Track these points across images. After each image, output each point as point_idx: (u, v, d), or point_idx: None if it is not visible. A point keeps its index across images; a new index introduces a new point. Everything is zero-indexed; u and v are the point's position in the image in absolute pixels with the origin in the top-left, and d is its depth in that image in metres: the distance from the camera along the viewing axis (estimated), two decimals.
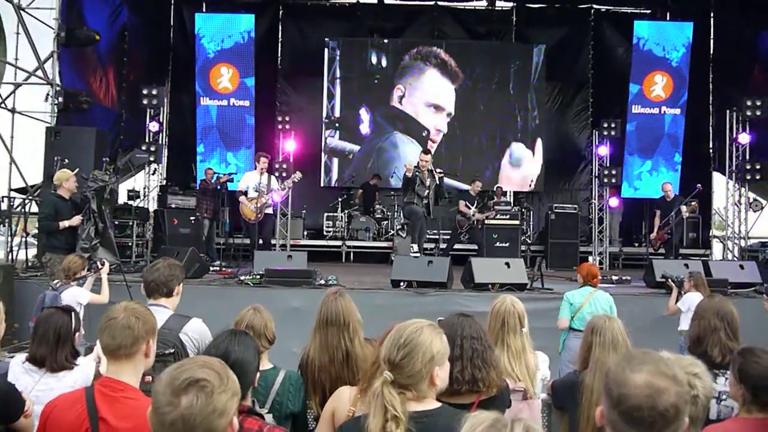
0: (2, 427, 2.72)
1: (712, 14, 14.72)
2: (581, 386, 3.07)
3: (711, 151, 14.65)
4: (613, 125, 13.17)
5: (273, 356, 3.08)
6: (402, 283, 7.76)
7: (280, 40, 15.56)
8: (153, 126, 12.81)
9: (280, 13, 15.54)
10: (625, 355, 1.62)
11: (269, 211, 9.88)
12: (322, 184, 15.11)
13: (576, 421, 3.08)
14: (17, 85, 10.08)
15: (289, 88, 15.42)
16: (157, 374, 1.75)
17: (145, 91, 12.55)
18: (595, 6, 15.53)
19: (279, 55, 15.54)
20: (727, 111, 13.00)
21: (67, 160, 8.30)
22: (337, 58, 15.25)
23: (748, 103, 12.41)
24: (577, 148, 15.62)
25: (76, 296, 5.41)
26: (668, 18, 15.06)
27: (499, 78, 15.29)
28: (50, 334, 3.04)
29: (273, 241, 10.99)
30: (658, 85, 13.91)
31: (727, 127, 12.98)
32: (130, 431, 2.06)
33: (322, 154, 15.15)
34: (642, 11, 15.32)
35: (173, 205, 11.62)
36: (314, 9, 15.55)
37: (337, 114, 15.26)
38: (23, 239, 9.05)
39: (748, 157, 12.64)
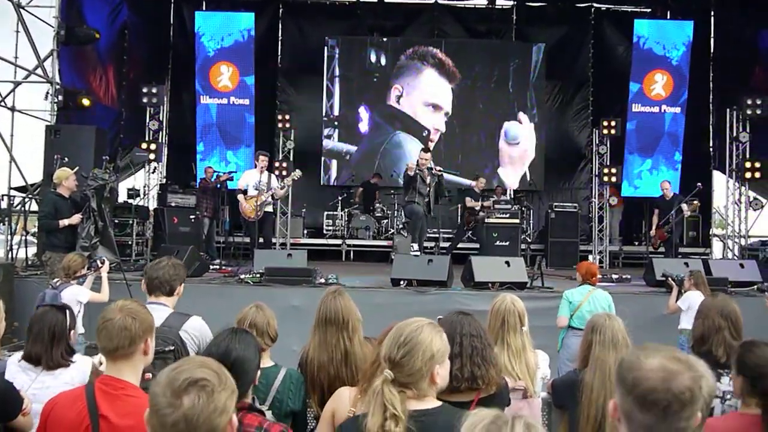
0: (1, 425, 2.72)
1: (712, 13, 14.73)
2: (581, 385, 3.07)
3: (711, 149, 14.65)
4: (613, 124, 13.17)
5: (273, 354, 3.08)
6: (402, 282, 7.76)
7: (280, 38, 15.55)
8: (153, 124, 12.81)
9: (280, 11, 15.54)
10: (637, 347, 1.61)
11: (269, 209, 9.87)
12: (322, 183, 15.12)
13: (576, 419, 3.08)
14: (17, 84, 10.08)
15: (289, 87, 15.42)
16: (157, 371, 1.74)
17: (144, 90, 12.55)
18: (595, 4, 15.52)
19: (279, 53, 15.54)
20: (728, 109, 13.00)
21: (66, 159, 8.31)
22: (336, 56, 15.25)
23: (749, 101, 12.42)
24: (577, 147, 15.62)
25: (76, 295, 5.41)
26: (668, 17, 15.05)
27: (498, 77, 15.30)
28: (45, 332, 3.04)
29: (273, 240, 10.98)
30: (658, 83, 13.90)
31: (728, 125, 12.98)
32: (131, 428, 2.06)
33: (322, 152, 15.15)
34: (642, 10, 15.30)
35: (173, 204, 11.62)
36: (314, 7, 15.54)
37: (336, 112, 15.27)
38: (23, 238, 9.05)
39: (748, 156, 12.64)
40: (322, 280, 7.84)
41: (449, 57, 15.14)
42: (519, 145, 15.22)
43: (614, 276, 9.35)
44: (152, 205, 12.99)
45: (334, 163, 15.26)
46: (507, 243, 10.88)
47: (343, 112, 15.26)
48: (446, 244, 12.49)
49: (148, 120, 12.81)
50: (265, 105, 14.27)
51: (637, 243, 13.91)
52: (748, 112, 12.51)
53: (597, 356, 3.08)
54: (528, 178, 15.22)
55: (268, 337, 2.99)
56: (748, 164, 12.59)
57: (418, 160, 9.52)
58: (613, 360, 3.04)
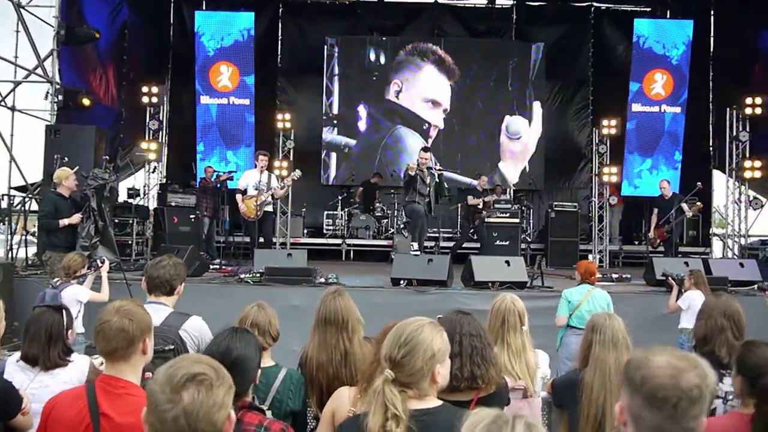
0: (1, 424, 2.72)
1: (712, 12, 14.72)
2: (581, 384, 3.07)
3: (711, 149, 14.66)
4: (612, 123, 13.16)
5: (273, 354, 3.08)
6: (402, 282, 7.76)
7: (279, 38, 15.54)
8: (153, 124, 12.83)
9: (280, 11, 15.54)
10: (643, 347, 1.60)
11: (269, 209, 9.87)
12: (322, 182, 15.12)
13: (576, 419, 3.08)
14: (17, 83, 10.07)
15: (289, 86, 15.41)
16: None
17: (144, 89, 12.58)
18: (595, 4, 15.52)
19: (279, 53, 15.53)
20: (727, 109, 13.02)
21: (66, 159, 8.30)
22: (336, 55, 15.24)
23: (748, 101, 12.43)
24: (577, 147, 15.62)
25: (76, 294, 5.41)
26: (668, 16, 15.06)
27: (497, 75, 15.29)
28: (42, 332, 3.04)
29: (273, 240, 10.98)
30: (658, 83, 13.90)
31: (727, 125, 12.99)
32: (132, 426, 2.06)
33: (322, 152, 15.16)
34: (642, 9, 15.30)
35: (173, 204, 11.62)
36: (314, 7, 15.54)
37: (335, 111, 15.27)
38: (23, 237, 9.05)
39: (748, 155, 12.65)
40: (322, 280, 7.84)
41: (448, 55, 15.14)
42: (520, 140, 15.22)
43: (614, 275, 9.34)
44: (152, 204, 13.00)
45: (333, 157, 15.23)
46: (507, 242, 10.89)
47: (343, 111, 15.26)
48: (446, 244, 12.50)
49: (148, 120, 12.83)
50: (265, 105, 14.26)
51: (637, 242, 13.92)
52: (748, 111, 12.53)
53: (597, 356, 3.08)
54: (527, 172, 15.19)
55: (270, 337, 2.99)
56: (747, 163, 12.60)
57: (418, 160, 9.51)
58: (613, 360, 3.04)
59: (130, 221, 10.97)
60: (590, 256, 12.82)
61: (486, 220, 11.31)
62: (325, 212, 14.11)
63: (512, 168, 15.21)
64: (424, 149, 10.04)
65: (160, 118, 13.15)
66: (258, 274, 7.84)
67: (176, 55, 15.01)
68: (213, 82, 14.02)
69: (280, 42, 15.54)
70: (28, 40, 10.00)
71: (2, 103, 9.95)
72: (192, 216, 11.17)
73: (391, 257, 9.75)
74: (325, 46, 15.18)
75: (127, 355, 2.24)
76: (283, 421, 2.45)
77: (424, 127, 15.08)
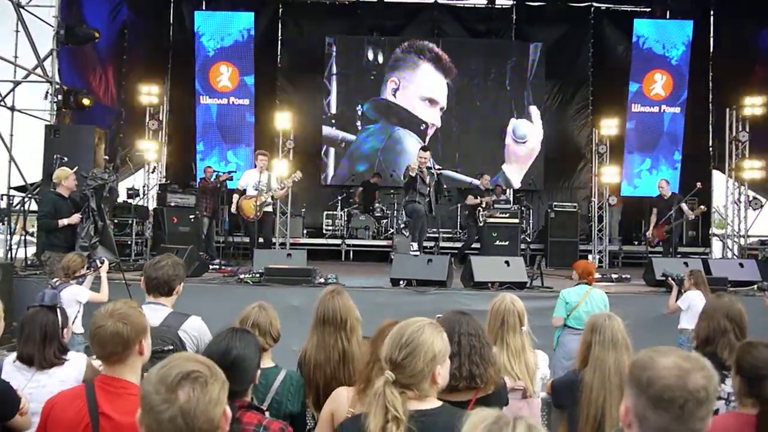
0: None
1: (712, 12, 14.73)
2: (581, 385, 3.07)
3: (710, 149, 14.66)
4: (612, 123, 13.16)
5: (272, 354, 3.07)
6: (401, 282, 7.75)
7: (279, 38, 15.54)
8: (152, 124, 12.81)
9: (280, 11, 15.54)
10: (648, 348, 1.59)
11: (269, 209, 9.87)
12: (321, 183, 15.11)
13: (575, 419, 3.08)
14: (16, 83, 10.06)
15: (288, 86, 15.41)
16: None
17: (144, 89, 12.57)
18: (595, 4, 15.54)
19: (279, 53, 15.53)
20: (727, 109, 13.01)
21: (66, 159, 8.29)
22: (333, 54, 15.23)
23: (748, 101, 12.43)
24: (577, 147, 15.62)
25: (75, 294, 5.40)
26: (668, 16, 15.06)
27: (495, 75, 15.28)
28: (36, 332, 3.03)
29: (273, 240, 10.97)
30: (658, 83, 13.91)
31: (727, 125, 12.99)
32: (133, 426, 2.05)
33: (322, 152, 15.15)
34: (642, 9, 15.31)
35: (173, 204, 11.61)
36: (314, 7, 15.54)
37: (333, 110, 15.26)
38: (22, 237, 9.04)
39: (747, 155, 12.65)
40: (322, 280, 7.82)
41: (446, 54, 15.14)
42: (526, 144, 15.21)
43: (614, 276, 9.34)
44: (152, 204, 12.98)
45: (331, 153, 15.21)
46: (507, 243, 10.88)
47: (341, 110, 15.26)
48: (446, 245, 12.49)
49: (147, 120, 12.81)
50: (264, 105, 14.27)
51: (636, 243, 13.91)
52: (748, 111, 12.54)
53: (596, 356, 3.08)
54: (528, 177, 15.20)
55: (271, 338, 2.98)
56: (747, 164, 12.61)
57: (417, 160, 9.51)
58: (612, 360, 3.04)
59: (130, 221, 10.96)
60: (590, 257, 12.82)
61: (487, 220, 11.30)
62: (325, 212, 14.11)
63: (516, 171, 15.20)
64: (423, 149, 10.04)
65: (160, 118, 13.15)
66: (257, 275, 7.83)
67: (176, 55, 15.01)
68: (213, 82, 14.04)
69: (279, 42, 15.54)
70: (28, 39, 9.99)
71: (2, 103, 9.94)
72: (191, 216, 11.16)
73: (390, 257, 9.74)
74: (325, 47, 15.18)
75: (123, 358, 2.24)
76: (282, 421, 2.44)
77: (422, 127, 15.07)
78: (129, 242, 10.86)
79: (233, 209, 9.73)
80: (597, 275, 9.10)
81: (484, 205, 11.64)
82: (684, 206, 10.47)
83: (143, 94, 12.68)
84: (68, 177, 7.22)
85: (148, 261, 3.52)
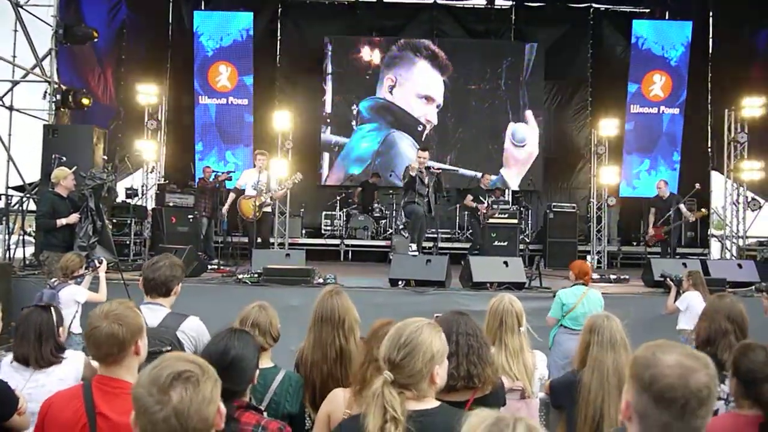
0: None
1: (711, 13, 14.73)
2: (579, 385, 3.07)
3: (709, 150, 14.67)
4: (611, 124, 13.17)
5: (271, 354, 3.07)
6: (400, 282, 7.75)
7: (278, 38, 15.53)
8: (151, 124, 12.80)
9: (279, 11, 15.53)
10: (650, 343, 1.58)
11: (267, 209, 9.86)
12: (321, 183, 15.10)
13: (574, 420, 3.07)
14: (15, 83, 10.05)
15: (287, 86, 15.40)
16: None
17: (143, 89, 12.55)
18: (594, 5, 15.55)
19: (278, 53, 15.52)
20: (726, 110, 13.01)
21: (64, 158, 8.29)
22: (329, 54, 15.22)
23: (747, 102, 12.44)
24: (576, 147, 15.63)
25: (73, 294, 5.40)
26: (667, 17, 15.08)
27: (491, 75, 15.28)
28: (31, 332, 3.03)
29: (271, 240, 10.97)
30: (657, 84, 13.93)
31: (726, 126, 12.99)
32: (130, 426, 2.05)
33: (321, 152, 15.14)
34: (641, 10, 15.32)
35: (171, 204, 11.59)
36: (313, 7, 15.54)
37: (329, 110, 15.26)
38: (21, 237, 9.03)
39: (746, 156, 12.66)
40: (321, 280, 7.82)
41: (453, 68, 15.14)
42: (525, 147, 15.21)
43: (612, 276, 9.35)
44: (150, 204, 12.97)
45: (326, 157, 15.20)
46: (505, 243, 10.87)
47: (338, 110, 15.24)
48: (445, 245, 12.48)
49: (146, 119, 12.80)
50: (263, 104, 14.27)
51: (635, 243, 13.93)
52: (746, 112, 12.54)
53: (595, 357, 3.08)
54: (527, 179, 15.19)
55: (270, 337, 2.98)
56: (746, 164, 12.62)
57: (417, 160, 9.52)
58: (611, 360, 3.04)
59: (128, 221, 10.96)
60: (588, 257, 12.83)
61: (487, 221, 11.28)
62: (324, 213, 14.12)
63: (515, 174, 15.19)
64: (423, 148, 10.04)
65: (159, 118, 13.14)
66: (256, 275, 7.83)
67: (175, 55, 15.00)
68: (212, 82, 14.04)
69: (278, 42, 15.53)
70: (26, 39, 9.98)
71: (0, 103, 9.93)
72: (190, 216, 11.15)
73: (389, 258, 9.74)
74: (324, 47, 15.17)
75: (119, 358, 2.23)
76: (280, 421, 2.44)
77: (419, 128, 15.06)
78: (127, 242, 10.86)
79: (226, 207, 9.79)
80: (596, 276, 9.16)
81: (479, 213, 11.57)
82: (683, 208, 10.48)
83: (142, 94, 12.67)
84: (67, 177, 7.21)
85: (147, 262, 3.52)
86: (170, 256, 3.46)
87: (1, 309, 2.98)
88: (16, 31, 9.93)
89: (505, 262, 7.97)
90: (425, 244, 10.26)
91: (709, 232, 14.57)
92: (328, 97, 15.27)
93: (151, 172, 13.37)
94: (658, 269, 7.82)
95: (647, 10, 15.33)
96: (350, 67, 15.25)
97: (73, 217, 7.15)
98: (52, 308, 3.19)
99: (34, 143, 9.43)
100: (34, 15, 10.17)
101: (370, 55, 15.17)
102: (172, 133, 14.20)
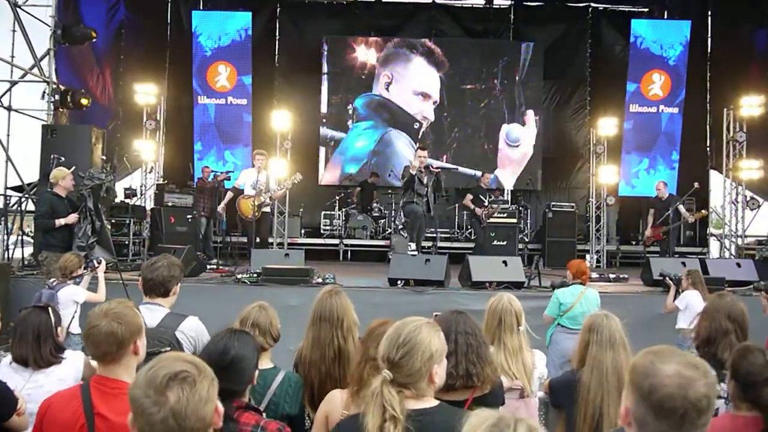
0: None
1: (709, 13, 14.73)
2: (578, 384, 3.07)
3: (708, 149, 14.67)
4: (610, 124, 13.17)
5: (270, 354, 3.07)
6: (399, 282, 7.75)
7: (277, 38, 15.53)
8: (150, 124, 12.79)
9: (277, 10, 15.52)
10: (649, 349, 1.58)
11: (266, 209, 9.86)
12: (319, 182, 15.09)
13: (573, 419, 3.07)
14: (13, 83, 10.04)
15: (286, 86, 15.39)
16: None
17: (142, 89, 12.55)
18: (592, 4, 15.54)
19: (276, 53, 15.51)
20: (725, 109, 13.01)
21: (63, 158, 8.28)
22: (325, 54, 15.20)
23: (746, 101, 12.44)
24: (575, 147, 15.63)
25: (72, 295, 5.40)
26: (666, 16, 15.09)
27: (487, 75, 15.26)
28: (29, 333, 3.03)
29: (270, 240, 10.96)
30: (656, 84, 13.93)
31: (725, 125, 13.00)
32: (128, 425, 2.05)
33: (320, 151, 15.13)
34: (640, 9, 15.33)
35: (170, 204, 11.59)
36: (311, 7, 15.54)
37: (323, 110, 15.26)
38: (20, 237, 9.02)
39: (745, 156, 12.67)
40: (320, 280, 7.82)
41: (448, 63, 15.13)
42: (519, 147, 15.21)
43: (611, 275, 9.35)
44: (149, 204, 12.97)
45: (321, 151, 15.19)
46: (504, 242, 10.88)
47: (333, 110, 15.23)
48: (444, 244, 12.47)
49: (145, 119, 12.79)
50: (262, 104, 14.27)
51: (634, 242, 13.94)
52: (745, 111, 12.55)
53: (594, 356, 3.08)
54: (524, 174, 15.18)
55: (271, 337, 2.98)
56: (745, 164, 12.63)
57: (417, 159, 9.51)
58: (610, 360, 3.04)
59: (127, 221, 10.95)
60: (588, 256, 12.83)
61: (488, 221, 11.26)
62: (323, 212, 14.12)
63: (509, 174, 15.17)
64: (422, 147, 10.05)
65: (158, 118, 13.13)
66: (255, 275, 7.83)
67: (173, 55, 14.96)
68: (211, 82, 14.04)
69: (277, 42, 15.52)
70: (25, 39, 9.97)
71: None
72: (189, 216, 11.14)
73: (388, 257, 9.74)
74: (322, 47, 15.17)
75: (118, 357, 2.23)
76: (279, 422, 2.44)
77: (416, 126, 15.06)
78: (126, 242, 10.84)
79: (222, 205, 9.83)
80: (595, 275, 9.17)
81: (478, 213, 11.50)
82: (682, 209, 10.48)
83: (140, 94, 12.65)
84: (65, 177, 7.21)
85: (145, 262, 3.52)
86: (169, 256, 3.46)
87: (0, 309, 2.98)
88: (14, 31, 9.93)
89: (504, 262, 7.97)
90: (424, 243, 10.26)
91: (708, 232, 14.58)
92: (324, 97, 15.27)
93: (149, 172, 13.36)
94: (657, 268, 7.82)
95: (646, 10, 15.33)
96: (346, 67, 15.22)
97: (72, 217, 7.15)
98: (50, 309, 3.19)
99: (32, 143, 9.44)
100: (32, 15, 10.16)
101: (365, 54, 15.15)
102: (171, 133, 14.19)
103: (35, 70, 10.11)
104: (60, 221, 7.08)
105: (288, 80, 15.43)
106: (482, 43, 15.55)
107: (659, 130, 14.05)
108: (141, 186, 13.22)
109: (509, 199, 14.15)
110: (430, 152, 10.85)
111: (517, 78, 15.24)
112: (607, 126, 13.19)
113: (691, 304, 5.86)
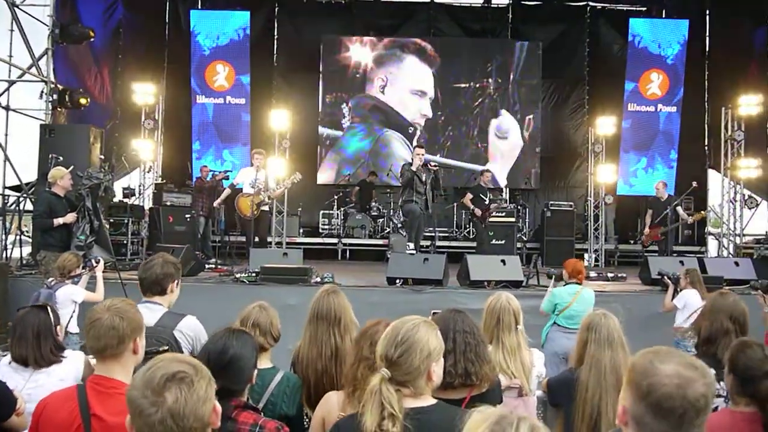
0: None
1: (707, 12, 14.75)
2: (576, 383, 3.07)
3: (706, 148, 14.69)
4: (608, 123, 13.18)
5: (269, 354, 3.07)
6: (398, 281, 7.75)
7: (275, 37, 15.52)
8: (148, 123, 12.78)
9: (276, 10, 15.51)
10: (648, 350, 1.58)
11: (265, 208, 9.86)
12: (318, 182, 15.09)
13: (571, 418, 3.08)
14: (11, 83, 10.03)
15: (284, 86, 15.37)
16: None
17: (140, 88, 12.54)
18: (591, 3, 15.53)
19: (275, 52, 15.50)
20: (723, 108, 13.02)
21: (61, 158, 8.28)
22: (321, 53, 15.20)
23: (744, 100, 12.45)
24: (573, 146, 15.63)
25: (70, 294, 5.39)
26: (664, 15, 15.09)
27: (481, 74, 15.26)
28: (28, 332, 3.02)
29: (268, 239, 10.96)
30: (654, 83, 13.95)
31: (723, 124, 13.01)
32: (124, 426, 2.04)
33: (318, 150, 15.13)
34: (638, 9, 15.32)
35: (169, 203, 11.60)
36: (309, 6, 15.51)
37: (319, 109, 15.24)
38: (18, 237, 9.02)
39: (743, 155, 12.68)
40: (318, 279, 7.83)
41: (434, 50, 15.13)
42: (509, 139, 15.19)
43: (610, 274, 9.36)
44: (148, 204, 12.96)
45: (317, 152, 15.19)
46: (503, 241, 10.89)
47: (329, 109, 15.22)
48: (442, 243, 12.47)
49: (143, 119, 12.78)
50: (260, 104, 14.26)
51: (632, 241, 13.94)
52: (743, 110, 12.55)
53: (592, 355, 3.08)
54: (518, 172, 15.16)
55: (271, 337, 2.98)
56: (743, 162, 12.64)
57: (412, 158, 9.52)
58: (608, 358, 3.04)
59: (126, 221, 10.94)
60: (586, 255, 12.84)
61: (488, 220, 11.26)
62: (321, 211, 14.12)
63: (500, 168, 15.11)
64: (419, 146, 10.06)
65: (156, 117, 13.11)
66: (253, 274, 7.83)
67: (172, 54, 14.95)
68: (209, 81, 14.04)
69: (275, 41, 15.51)
70: (23, 39, 9.96)
71: None
72: (187, 215, 11.15)
73: (387, 256, 9.74)
74: (320, 46, 15.17)
75: (117, 353, 2.23)
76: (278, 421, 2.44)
77: (410, 130, 15.04)
78: (125, 242, 10.83)
79: (219, 201, 9.89)
80: (593, 274, 9.18)
81: (477, 215, 11.45)
82: (680, 209, 10.49)
83: (139, 93, 12.64)
84: (63, 176, 7.20)
85: (142, 262, 3.51)
86: (164, 254, 3.43)
87: None
88: (12, 30, 9.91)
89: (503, 261, 7.98)
90: (423, 242, 10.26)
91: (706, 231, 14.59)
92: (320, 96, 15.25)
93: (148, 172, 13.35)
94: (656, 267, 7.83)
95: (644, 9, 15.32)
96: (339, 67, 15.19)
97: (70, 217, 7.14)
98: (48, 308, 3.19)
99: (30, 143, 9.44)
100: (30, 15, 10.15)
101: (359, 54, 15.12)
102: (169, 133, 14.19)
103: (33, 70, 10.10)
104: (58, 221, 7.07)
105: (286, 80, 15.42)
106: (476, 42, 15.52)
107: (657, 129, 14.07)
108: (139, 185, 13.21)
109: (507, 198, 14.16)
110: (427, 145, 10.84)
111: (511, 77, 15.22)
112: (605, 125, 13.19)
113: (689, 303, 5.87)
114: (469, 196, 11.59)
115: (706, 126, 14.77)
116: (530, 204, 14.79)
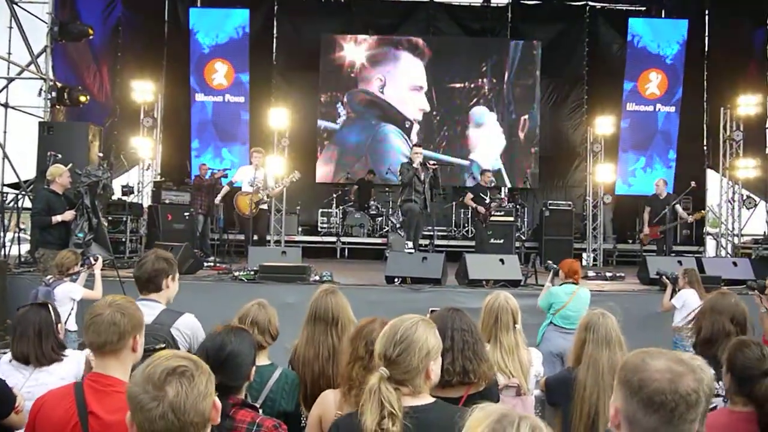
0: None
1: (706, 12, 14.76)
2: (574, 382, 3.08)
3: (705, 148, 14.70)
4: (607, 122, 13.19)
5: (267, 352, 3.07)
6: (396, 280, 7.76)
7: (275, 35, 15.50)
8: (147, 121, 12.77)
9: (275, 8, 15.49)
10: (639, 350, 1.58)
11: (264, 206, 9.86)
12: (317, 180, 15.08)
13: (569, 417, 3.08)
14: (10, 80, 10.02)
15: (284, 84, 15.36)
16: None
17: (139, 86, 12.53)
18: (590, 3, 15.53)
19: (274, 50, 15.49)
20: (721, 108, 13.03)
21: (60, 155, 8.26)
22: (319, 53, 15.17)
23: (742, 100, 12.46)
24: (572, 145, 15.63)
25: (69, 292, 5.39)
26: (663, 15, 15.10)
27: (475, 73, 15.26)
28: (29, 330, 3.02)
29: (267, 237, 10.96)
30: (653, 83, 13.96)
31: (721, 124, 13.02)
32: (120, 424, 2.04)
33: (317, 149, 15.12)
34: (637, 8, 15.33)
35: (167, 201, 11.59)
36: (309, 4, 15.50)
37: (318, 108, 15.23)
38: (16, 235, 9.01)
39: (741, 155, 12.69)
40: (317, 278, 7.84)
41: (431, 51, 15.13)
42: (485, 125, 15.18)
43: (608, 274, 9.37)
44: (146, 202, 12.95)
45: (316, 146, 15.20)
46: (501, 241, 10.87)
47: (323, 108, 15.21)
48: (440, 242, 12.47)
49: (142, 117, 12.77)
50: (260, 102, 14.25)
51: (631, 241, 13.95)
52: (742, 110, 12.56)
53: (590, 354, 3.09)
54: (522, 176, 15.19)
55: (269, 335, 2.98)
56: (741, 162, 12.65)
57: (411, 157, 9.52)
58: (606, 358, 3.05)
59: (124, 218, 10.93)
60: (584, 255, 12.84)
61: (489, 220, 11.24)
62: (320, 210, 14.13)
63: (482, 155, 15.11)
64: (417, 144, 10.07)
65: (155, 116, 13.10)
66: (252, 272, 7.83)
67: (171, 52, 14.93)
68: (208, 79, 14.03)
69: (275, 39, 15.49)
70: (22, 36, 9.95)
71: None
72: (186, 213, 11.15)
73: (385, 255, 9.74)
74: (320, 44, 15.16)
75: (117, 350, 2.23)
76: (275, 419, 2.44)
77: (407, 125, 15.06)
78: (123, 239, 10.82)
79: (218, 198, 9.91)
80: (591, 273, 9.19)
81: (481, 212, 11.45)
82: (679, 209, 10.49)
83: (138, 91, 12.62)
84: (62, 174, 7.20)
85: (137, 260, 3.50)
86: (157, 250, 3.39)
87: None
88: (11, 28, 9.90)
89: (501, 260, 7.98)
90: (421, 241, 10.27)
91: (704, 230, 14.60)
92: (318, 95, 15.23)
93: (147, 170, 13.35)
94: (654, 267, 7.83)
95: (643, 8, 15.32)
96: (335, 65, 15.17)
97: (69, 214, 7.15)
98: (49, 305, 3.18)
99: (29, 140, 9.43)
100: (29, 12, 10.15)
101: (353, 52, 15.10)
102: (168, 131, 14.17)
103: (32, 67, 10.09)
104: (57, 218, 7.08)
105: (285, 78, 15.40)
106: (471, 41, 15.52)
107: (656, 128, 14.08)
108: (138, 183, 13.19)
109: (506, 197, 14.15)
110: (424, 140, 10.85)
111: (506, 76, 15.22)
112: (604, 124, 13.20)
113: (687, 302, 5.87)
114: (470, 195, 11.61)
115: (704, 126, 14.77)
116: (529, 203, 14.78)
